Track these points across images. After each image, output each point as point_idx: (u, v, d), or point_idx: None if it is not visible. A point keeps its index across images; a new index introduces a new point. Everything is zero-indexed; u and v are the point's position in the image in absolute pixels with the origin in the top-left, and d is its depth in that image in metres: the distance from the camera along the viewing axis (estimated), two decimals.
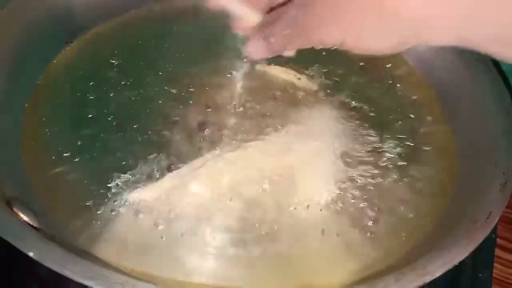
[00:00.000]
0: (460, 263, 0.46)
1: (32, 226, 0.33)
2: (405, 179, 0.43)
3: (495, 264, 0.53)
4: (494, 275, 0.52)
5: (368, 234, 0.39)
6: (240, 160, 0.43)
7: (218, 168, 0.42)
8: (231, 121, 0.46)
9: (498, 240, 0.55)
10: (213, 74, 0.49)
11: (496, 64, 0.49)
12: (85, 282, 0.29)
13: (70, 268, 0.29)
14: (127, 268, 0.35)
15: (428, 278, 0.32)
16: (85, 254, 0.35)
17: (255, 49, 0.35)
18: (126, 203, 0.39)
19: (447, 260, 0.33)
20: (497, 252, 0.54)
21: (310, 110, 0.47)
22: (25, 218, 0.34)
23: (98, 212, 0.39)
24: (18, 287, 0.42)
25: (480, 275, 0.47)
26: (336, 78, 0.50)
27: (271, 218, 0.39)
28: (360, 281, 0.32)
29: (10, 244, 0.41)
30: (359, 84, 0.50)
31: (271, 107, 0.47)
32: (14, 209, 0.34)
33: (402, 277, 0.31)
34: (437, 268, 0.32)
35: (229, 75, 0.50)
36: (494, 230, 0.51)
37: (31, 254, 0.30)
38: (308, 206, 0.40)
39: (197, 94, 0.48)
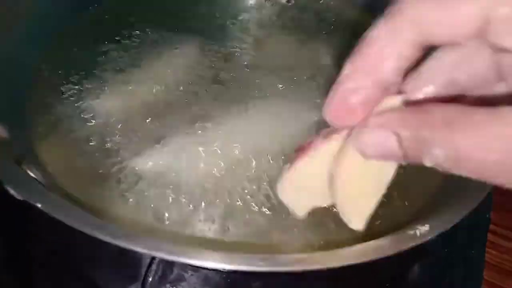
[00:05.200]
0: (455, 240, 0.48)
1: (39, 182, 0.35)
2: None
3: (490, 250, 0.54)
4: (489, 260, 0.53)
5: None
6: (238, 131, 0.44)
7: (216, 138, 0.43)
8: (231, 89, 0.48)
9: (493, 227, 0.56)
10: (217, 47, 0.51)
11: None
12: (92, 233, 0.30)
13: (77, 219, 0.30)
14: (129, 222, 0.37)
15: (420, 240, 0.32)
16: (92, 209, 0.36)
17: (372, 144, 0.23)
18: (130, 168, 0.41)
19: (439, 225, 0.34)
20: (492, 238, 0.56)
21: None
22: (33, 175, 0.35)
23: (103, 178, 0.40)
24: (24, 251, 0.44)
25: (473, 251, 0.48)
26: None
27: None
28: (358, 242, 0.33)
29: (13, 211, 0.42)
30: None
31: (270, 79, 0.49)
32: (23, 166, 0.35)
33: (396, 238, 0.32)
34: (428, 233, 0.33)
35: (234, 48, 0.51)
36: (488, 209, 0.52)
37: (39, 205, 0.31)
38: None
39: (200, 65, 0.49)
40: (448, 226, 0.34)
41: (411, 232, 0.33)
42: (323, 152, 0.33)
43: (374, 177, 0.29)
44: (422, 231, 0.33)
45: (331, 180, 0.29)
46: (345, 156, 0.27)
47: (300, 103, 0.46)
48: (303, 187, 0.35)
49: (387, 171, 0.28)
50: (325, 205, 0.34)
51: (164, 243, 0.30)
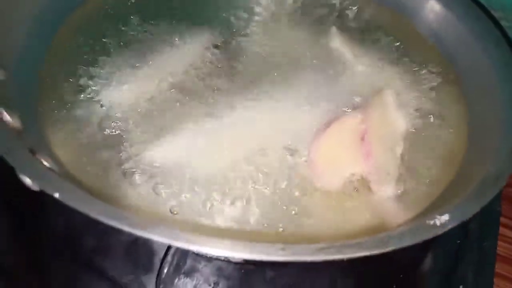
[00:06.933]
0: (466, 232, 0.48)
1: (54, 171, 0.34)
2: (419, 144, 0.44)
3: (500, 242, 0.54)
4: (499, 252, 0.53)
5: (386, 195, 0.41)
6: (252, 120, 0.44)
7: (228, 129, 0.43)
8: (241, 79, 0.47)
9: (503, 219, 0.56)
10: (227, 38, 0.51)
11: (507, 38, 0.49)
12: (110, 223, 0.29)
13: (95, 209, 0.30)
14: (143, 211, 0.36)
15: (441, 230, 0.32)
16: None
17: None
18: (143, 157, 0.40)
19: (458, 216, 0.33)
20: (502, 230, 0.55)
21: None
22: (47, 164, 0.34)
23: (115, 168, 0.40)
24: (35, 242, 0.43)
25: (485, 243, 0.48)
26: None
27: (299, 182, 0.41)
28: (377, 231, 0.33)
29: (25, 203, 0.42)
30: (373, 54, 0.51)
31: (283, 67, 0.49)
32: (37, 156, 0.34)
33: (417, 228, 0.32)
34: (448, 223, 0.33)
35: (244, 38, 0.51)
36: (499, 201, 0.52)
37: (56, 195, 0.30)
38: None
39: (209, 56, 0.49)
40: (469, 215, 0.33)
41: (431, 221, 0.33)
42: (349, 122, 0.42)
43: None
44: (442, 220, 0.33)
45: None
46: None
47: (311, 93, 0.46)
48: (333, 156, 0.41)
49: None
50: (354, 172, 0.40)
51: (184, 233, 0.30)
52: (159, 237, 0.29)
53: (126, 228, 0.29)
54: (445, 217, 0.33)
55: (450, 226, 0.32)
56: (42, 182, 0.31)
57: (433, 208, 0.38)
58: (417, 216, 0.38)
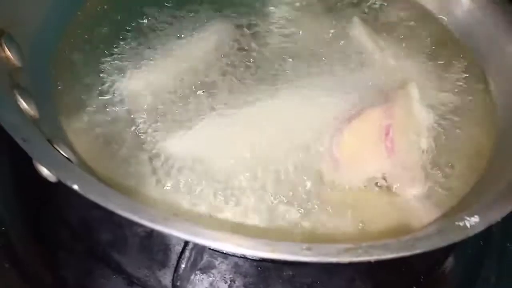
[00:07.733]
0: (490, 232, 0.46)
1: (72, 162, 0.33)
2: (444, 139, 0.43)
3: None
4: None
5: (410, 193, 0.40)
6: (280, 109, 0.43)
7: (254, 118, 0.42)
8: (262, 70, 0.46)
9: None
10: (248, 27, 0.50)
11: None
12: (129, 216, 0.28)
13: (114, 202, 0.29)
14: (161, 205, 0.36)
15: (471, 232, 0.31)
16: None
17: None
18: (160, 149, 0.39)
19: (488, 217, 0.32)
20: None
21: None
22: (65, 154, 0.33)
23: (131, 160, 0.39)
24: (50, 236, 0.42)
25: (508, 244, 0.47)
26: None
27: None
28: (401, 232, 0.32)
29: (39, 196, 0.41)
30: (397, 46, 0.50)
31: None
32: (55, 146, 0.33)
33: (446, 230, 0.31)
34: (478, 225, 0.32)
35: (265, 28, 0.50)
36: None
37: (75, 187, 0.29)
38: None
39: (229, 45, 0.48)
40: (500, 216, 0.32)
41: (460, 223, 0.32)
42: (372, 117, 0.41)
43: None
44: (472, 222, 0.31)
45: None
46: None
47: (334, 85, 0.45)
48: (356, 152, 0.40)
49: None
50: (377, 169, 0.39)
51: (205, 229, 0.28)
52: (179, 233, 0.28)
53: (146, 223, 0.28)
54: (475, 218, 0.32)
55: (480, 228, 0.31)
56: (61, 173, 0.30)
57: (461, 207, 0.37)
58: (444, 216, 0.37)
